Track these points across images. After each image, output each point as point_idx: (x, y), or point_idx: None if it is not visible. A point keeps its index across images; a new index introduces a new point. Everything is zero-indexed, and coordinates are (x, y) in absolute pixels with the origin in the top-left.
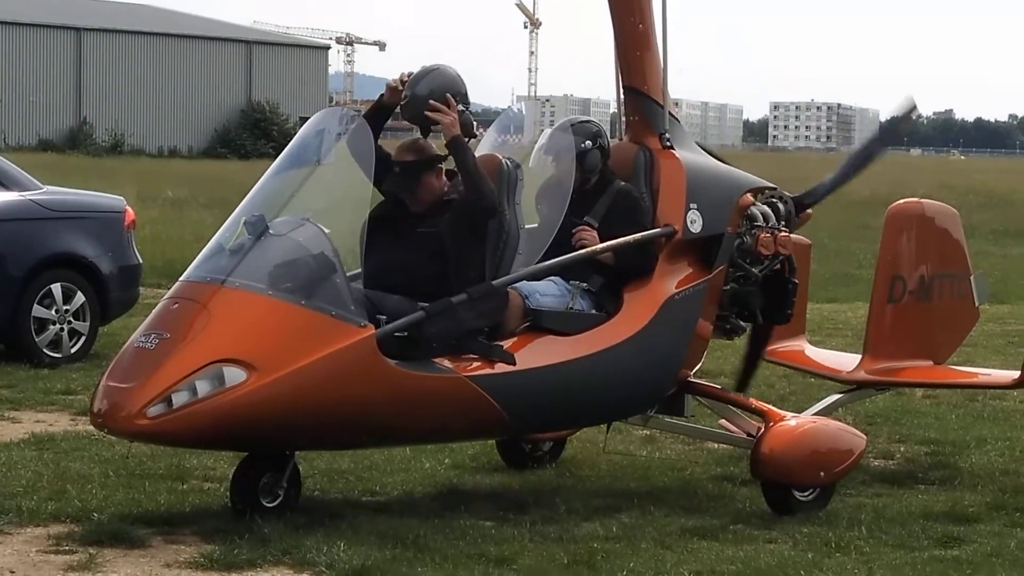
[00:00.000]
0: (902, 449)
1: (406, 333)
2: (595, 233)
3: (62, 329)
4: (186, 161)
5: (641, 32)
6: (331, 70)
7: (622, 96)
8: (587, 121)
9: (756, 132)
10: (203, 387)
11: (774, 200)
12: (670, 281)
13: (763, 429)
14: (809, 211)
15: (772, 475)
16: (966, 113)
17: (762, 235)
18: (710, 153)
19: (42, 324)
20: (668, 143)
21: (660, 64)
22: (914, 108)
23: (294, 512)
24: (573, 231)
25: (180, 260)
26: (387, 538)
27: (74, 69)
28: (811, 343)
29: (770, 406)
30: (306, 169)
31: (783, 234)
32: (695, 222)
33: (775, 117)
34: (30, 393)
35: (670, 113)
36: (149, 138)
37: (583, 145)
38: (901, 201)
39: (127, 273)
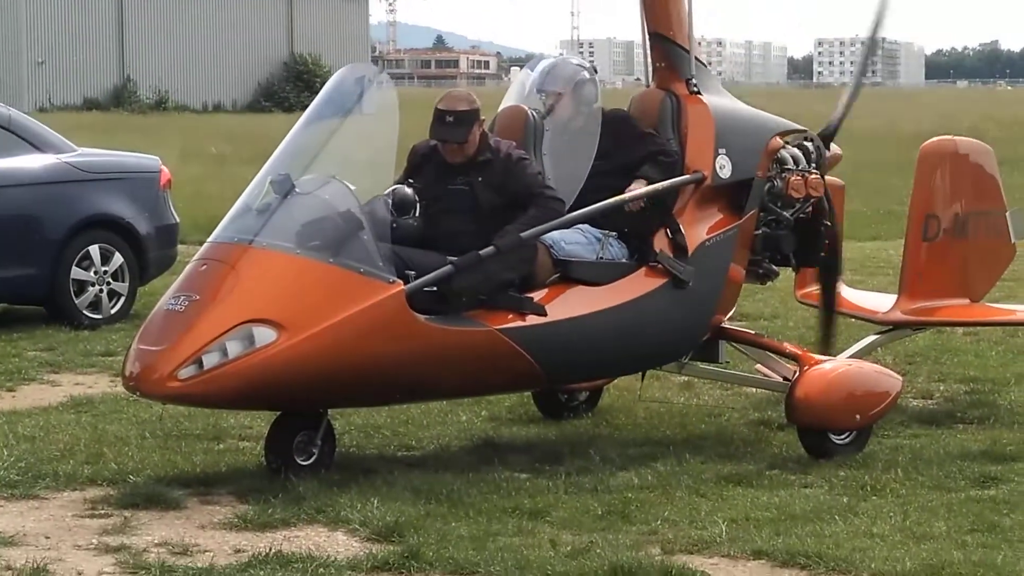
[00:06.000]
0: (941, 388)
1: (436, 288)
2: (642, 189)
3: (101, 290)
4: (230, 116)
5: None
6: (373, 20)
7: (648, 43)
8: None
9: (801, 69)
10: (234, 348)
11: (804, 143)
12: (701, 227)
13: (798, 373)
14: (839, 152)
15: (807, 419)
16: (1012, 43)
17: (793, 178)
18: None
19: (81, 286)
20: (695, 88)
21: (686, 9)
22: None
23: (329, 469)
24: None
25: (223, 217)
26: (421, 494)
27: (116, 27)
28: (854, 282)
29: (805, 349)
30: (332, 125)
31: (814, 177)
32: (724, 167)
33: (819, 54)
34: (70, 355)
35: (697, 58)
36: (193, 94)
37: (583, 75)
38: (934, 139)
39: (164, 233)
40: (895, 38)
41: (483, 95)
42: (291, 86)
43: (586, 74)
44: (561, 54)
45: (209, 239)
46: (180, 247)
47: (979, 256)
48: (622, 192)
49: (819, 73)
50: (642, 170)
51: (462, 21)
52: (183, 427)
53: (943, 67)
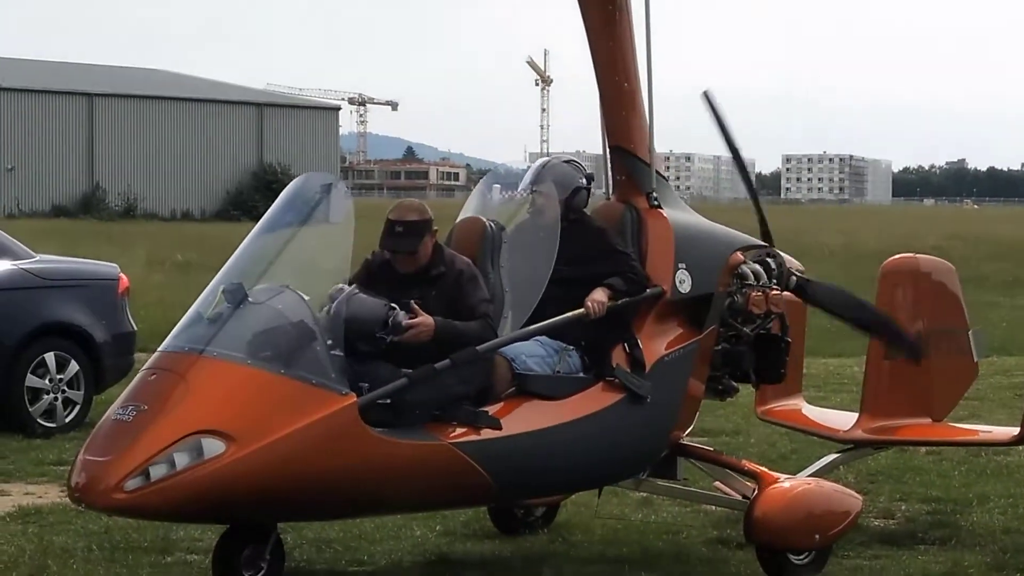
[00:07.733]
0: (903, 508)
1: (389, 401)
2: (605, 297)
3: (56, 398)
4: (198, 224)
5: (626, 91)
6: (343, 130)
7: (609, 156)
8: (574, 162)
9: (769, 185)
10: (181, 460)
11: (765, 258)
12: (660, 342)
13: (756, 492)
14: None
15: (766, 539)
16: (979, 162)
17: (753, 294)
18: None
19: (36, 394)
20: (656, 202)
21: (646, 123)
22: (708, 97)
23: None
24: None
25: None
26: None
27: (87, 135)
28: (815, 399)
29: (763, 468)
30: (288, 234)
31: (775, 292)
32: (684, 282)
33: (787, 170)
34: (21, 464)
35: (657, 172)
36: (162, 202)
37: (580, 181)
38: (896, 257)
39: (121, 340)
40: (862, 155)
41: (453, 207)
42: (260, 195)
43: (583, 180)
44: (529, 166)
45: (159, 348)
46: (139, 355)
47: (941, 375)
48: (583, 303)
49: (787, 189)
50: (608, 280)
51: (432, 132)
52: (131, 539)
53: (911, 185)
